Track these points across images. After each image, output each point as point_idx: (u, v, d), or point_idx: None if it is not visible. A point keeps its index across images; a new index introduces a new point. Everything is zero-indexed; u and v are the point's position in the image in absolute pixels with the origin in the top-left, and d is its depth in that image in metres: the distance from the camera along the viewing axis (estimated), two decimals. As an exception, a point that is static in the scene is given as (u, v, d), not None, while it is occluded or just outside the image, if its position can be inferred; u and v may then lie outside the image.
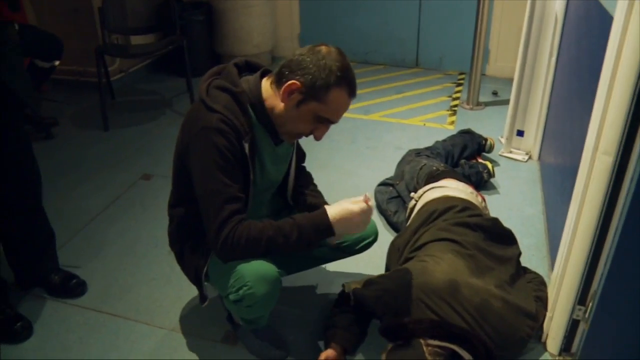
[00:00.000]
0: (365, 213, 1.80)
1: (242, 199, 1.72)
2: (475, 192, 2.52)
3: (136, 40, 4.52)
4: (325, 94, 1.66)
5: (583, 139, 2.02)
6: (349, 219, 1.77)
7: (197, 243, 1.91)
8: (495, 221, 2.28)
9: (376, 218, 2.91)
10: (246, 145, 1.70)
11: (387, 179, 3.03)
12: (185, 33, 4.31)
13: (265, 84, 1.75)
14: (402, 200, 2.80)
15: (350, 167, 3.36)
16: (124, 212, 2.98)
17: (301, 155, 2.20)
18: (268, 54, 5.17)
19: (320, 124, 1.76)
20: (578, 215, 1.88)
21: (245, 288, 1.72)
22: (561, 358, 2.07)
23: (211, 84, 1.72)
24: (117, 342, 2.16)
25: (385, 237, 2.74)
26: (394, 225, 2.79)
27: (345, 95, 1.71)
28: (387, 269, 2.38)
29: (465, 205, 2.31)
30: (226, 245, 1.68)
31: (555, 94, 3.17)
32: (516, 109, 3.44)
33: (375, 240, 2.25)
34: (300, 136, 1.84)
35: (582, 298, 1.96)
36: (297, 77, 1.64)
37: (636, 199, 1.67)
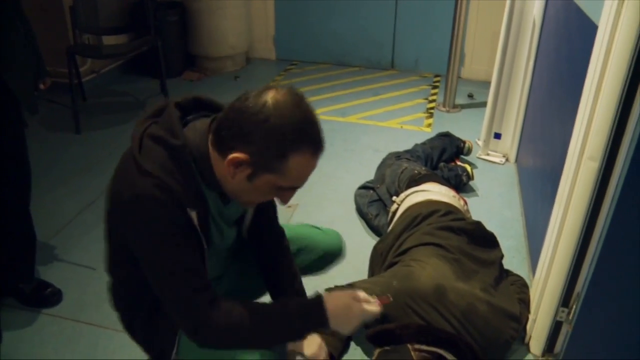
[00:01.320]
0: (367, 316, 1.48)
1: (203, 271, 1.37)
2: (457, 196, 2.53)
3: (108, 40, 4.43)
4: (281, 163, 1.24)
5: (564, 143, 2.04)
6: (345, 316, 1.45)
7: (152, 316, 1.52)
8: (478, 225, 2.29)
9: (357, 222, 2.90)
10: (193, 214, 1.30)
11: (367, 182, 3.03)
12: (159, 33, 4.24)
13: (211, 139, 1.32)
14: (383, 203, 2.79)
15: (328, 170, 3.35)
16: (99, 218, 2.88)
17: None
18: (243, 55, 5.14)
19: (284, 192, 1.36)
20: (563, 219, 1.89)
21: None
22: (544, 359, 2.09)
23: (147, 130, 1.29)
24: (96, 352, 2.10)
25: (367, 240, 2.73)
26: (375, 229, 2.78)
27: (309, 157, 1.27)
28: (370, 273, 2.37)
29: (448, 209, 2.32)
30: (201, 334, 1.35)
31: (532, 97, 3.21)
32: (494, 112, 3.47)
33: (339, 256, 2.01)
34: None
35: (565, 300, 1.98)
36: (240, 148, 1.23)
37: (621, 203, 1.68)
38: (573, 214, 1.85)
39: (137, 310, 1.54)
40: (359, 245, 2.70)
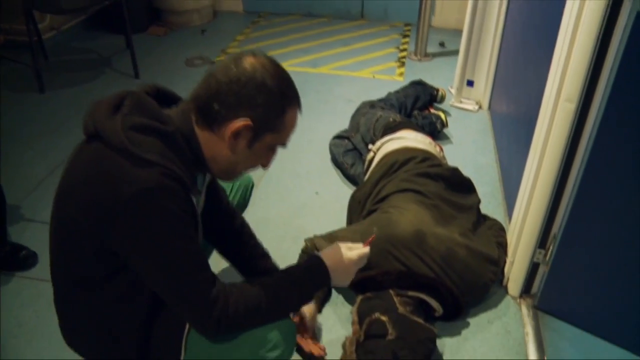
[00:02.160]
0: (362, 260, 1.52)
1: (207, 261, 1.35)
2: (433, 143, 2.53)
3: (68, -6, 4.25)
4: (280, 121, 1.29)
5: (538, 88, 2.04)
6: (343, 269, 1.48)
7: (148, 332, 1.38)
8: (455, 170, 2.30)
9: (333, 172, 2.90)
10: (194, 199, 1.28)
11: (341, 131, 3.01)
12: (122, -14, 4.08)
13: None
14: (358, 152, 2.78)
15: (302, 122, 3.24)
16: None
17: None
18: (209, 8, 4.99)
19: (271, 152, 1.37)
20: (539, 162, 1.91)
21: (275, 351, 1.40)
22: (522, 300, 2.13)
23: (124, 124, 1.18)
24: None
25: (343, 190, 2.73)
26: (351, 178, 2.78)
27: (296, 110, 1.34)
28: (348, 222, 2.38)
29: (425, 156, 2.32)
30: (223, 326, 1.28)
31: (505, 44, 3.20)
32: (466, 59, 3.45)
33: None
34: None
35: (542, 241, 2.01)
36: (243, 115, 1.24)
37: (597, 144, 1.70)
38: (550, 156, 1.86)
39: (126, 334, 1.37)
40: (336, 195, 2.71)
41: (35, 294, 2.16)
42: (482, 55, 3.40)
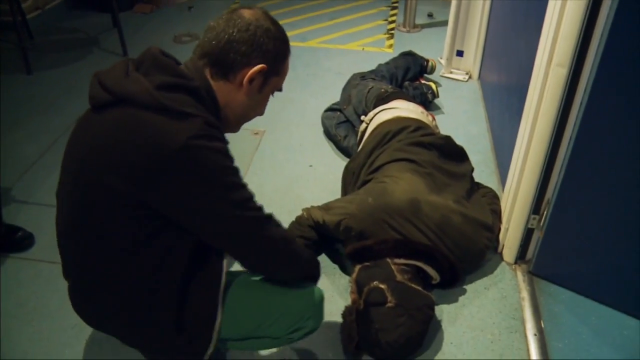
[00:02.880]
0: None
1: None
2: (425, 112, 2.54)
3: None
4: (283, 65, 1.42)
5: (529, 56, 2.04)
6: None
7: (186, 289, 1.38)
8: (448, 139, 2.31)
9: (326, 144, 2.90)
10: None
11: (333, 104, 3.00)
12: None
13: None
14: (351, 124, 2.78)
15: (293, 96, 3.31)
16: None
17: None
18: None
19: (269, 97, 1.48)
20: (532, 128, 1.92)
21: (310, 321, 1.49)
22: (517, 266, 2.16)
23: (151, 84, 1.22)
24: None
25: (337, 162, 2.74)
26: (344, 150, 2.78)
27: (289, 57, 1.45)
28: (343, 193, 2.39)
29: (418, 125, 2.32)
30: (293, 257, 1.43)
31: (494, 13, 3.19)
32: (455, 30, 3.44)
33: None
34: None
35: (536, 207, 2.04)
36: (256, 60, 1.33)
37: (589, 108, 1.72)
38: (542, 122, 1.87)
39: (161, 301, 1.36)
40: (330, 167, 2.71)
41: (33, 274, 2.15)
42: (472, 25, 3.40)
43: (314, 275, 1.54)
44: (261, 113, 1.49)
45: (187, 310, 1.37)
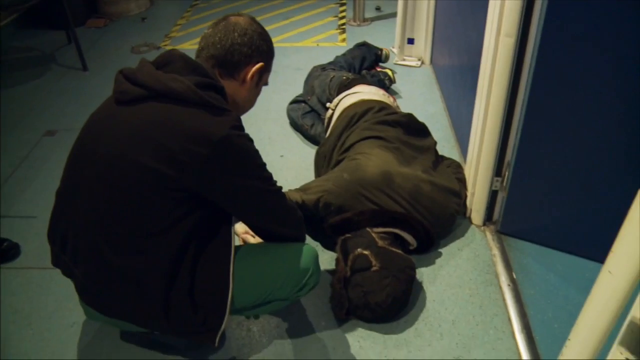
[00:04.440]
0: None
1: None
2: (387, 94, 2.68)
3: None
4: (272, 62, 1.69)
5: (479, 36, 2.21)
6: None
7: (199, 263, 1.48)
8: (410, 116, 2.46)
9: (293, 135, 3.02)
10: None
11: (296, 96, 3.12)
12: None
13: None
14: (316, 113, 2.91)
15: (256, 94, 3.41)
16: (37, 171, 2.87)
17: None
18: (147, -6, 5.00)
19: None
20: (487, 96, 2.08)
21: (313, 277, 1.65)
22: (485, 227, 2.32)
23: (190, 83, 1.38)
24: (71, 291, 2.03)
25: (307, 150, 2.86)
26: (312, 138, 2.91)
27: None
28: (317, 176, 2.51)
29: (381, 106, 2.47)
30: (299, 222, 1.65)
31: (440, 1, 3.36)
32: (405, 19, 3.61)
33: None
34: None
35: (498, 170, 2.20)
36: (255, 60, 1.58)
37: (537, 72, 1.88)
38: (496, 89, 2.03)
39: (180, 266, 1.44)
40: (300, 156, 2.83)
41: (24, 282, 2.19)
42: (420, 14, 3.57)
43: (304, 237, 1.73)
44: (253, 105, 1.73)
45: (198, 286, 1.47)
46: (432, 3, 3.44)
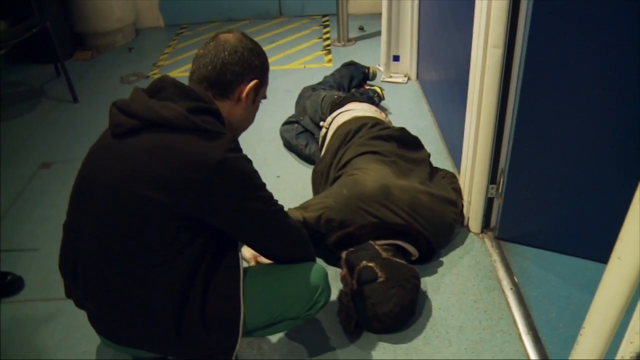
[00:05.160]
0: None
1: None
2: (378, 110, 2.74)
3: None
4: (267, 75, 1.63)
5: (465, 50, 2.28)
6: None
7: (209, 283, 1.48)
8: (403, 130, 2.51)
9: (288, 156, 3.06)
10: None
11: (289, 117, 3.17)
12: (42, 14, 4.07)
13: None
14: (309, 133, 2.96)
15: (247, 117, 3.46)
16: (35, 203, 2.88)
17: None
18: (132, 27, 5.04)
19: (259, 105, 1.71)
20: (479, 107, 2.14)
21: (324, 294, 1.65)
22: (483, 234, 2.37)
23: (182, 109, 1.37)
24: (78, 321, 2.05)
25: (302, 170, 2.91)
26: (307, 158, 2.95)
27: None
28: (315, 194, 2.54)
29: (375, 122, 2.52)
30: (304, 240, 1.65)
31: (423, 18, 3.45)
32: (389, 37, 3.69)
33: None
34: None
35: (492, 178, 2.25)
36: (249, 76, 1.54)
37: (526, 80, 1.95)
38: (487, 99, 2.09)
39: (190, 292, 1.44)
40: (296, 176, 2.88)
41: (30, 314, 2.19)
42: (403, 32, 3.66)
43: (313, 255, 1.70)
44: (252, 121, 1.69)
45: (209, 310, 1.48)
46: (416, 20, 3.52)
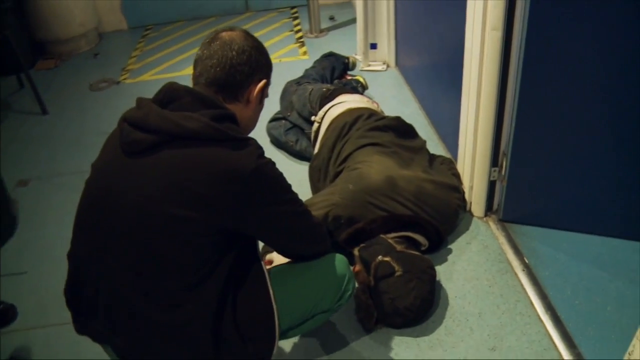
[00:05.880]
0: None
1: None
2: (370, 100, 2.71)
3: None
4: (271, 73, 1.56)
5: (456, 33, 2.26)
6: None
7: (240, 294, 1.44)
8: (399, 119, 2.49)
9: (277, 153, 3.00)
10: None
11: (275, 114, 3.11)
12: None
13: None
14: (299, 128, 2.90)
15: (229, 117, 3.39)
16: (20, 226, 2.76)
17: None
18: (94, 32, 4.88)
19: None
20: (478, 90, 2.13)
21: (351, 282, 1.64)
22: (487, 218, 2.36)
23: (206, 119, 1.31)
24: (79, 345, 1.87)
25: (295, 167, 2.86)
26: (298, 154, 2.90)
27: None
28: (314, 190, 2.50)
29: (370, 113, 2.49)
30: (325, 236, 1.61)
31: (400, 5, 3.42)
32: (366, 25, 3.64)
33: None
34: None
35: (494, 160, 2.24)
36: (258, 75, 1.47)
37: (526, 62, 1.94)
38: (487, 83, 2.08)
39: (224, 308, 1.39)
40: (289, 173, 2.68)
41: (27, 344, 2.08)
42: (380, 19, 3.62)
43: (331, 249, 1.67)
44: (257, 122, 1.61)
45: (243, 320, 1.42)
46: (392, 6, 3.49)
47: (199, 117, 1.29)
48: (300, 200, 1.48)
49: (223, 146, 1.29)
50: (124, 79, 4.12)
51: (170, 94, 1.36)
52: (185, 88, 1.38)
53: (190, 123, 1.28)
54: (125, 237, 1.32)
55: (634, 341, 1.16)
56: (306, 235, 1.53)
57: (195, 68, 1.49)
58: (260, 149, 1.35)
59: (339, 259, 1.63)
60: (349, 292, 1.63)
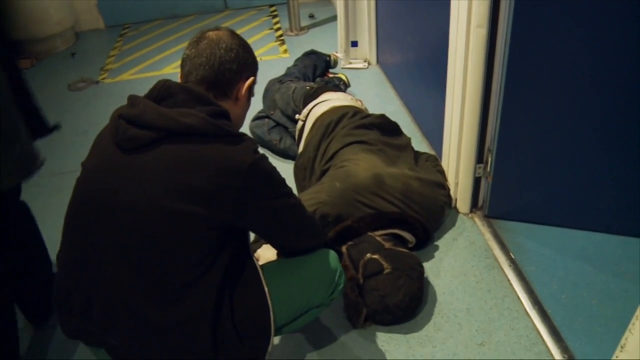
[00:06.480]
0: None
1: None
2: (354, 98, 2.71)
3: None
4: (257, 71, 1.57)
5: (440, 32, 2.27)
6: None
7: (236, 290, 1.45)
8: (384, 117, 2.49)
9: (259, 150, 2.97)
10: None
11: (258, 112, 3.09)
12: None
13: None
14: (282, 126, 2.89)
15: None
16: None
17: None
18: (71, 31, 4.82)
19: None
20: (463, 88, 2.14)
21: (342, 276, 1.66)
22: (473, 214, 2.38)
23: (203, 114, 1.32)
24: (79, 344, 1.97)
25: (278, 165, 2.70)
26: (282, 153, 2.89)
27: None
28: (299, 189, 2.49)
29: (355, 111, 2.49)
30: (319, 228, 1.64)
31: (381, 3, 3.43)
32: (347, 22, 3.65)
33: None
34: None
35: (479, 157, 2.26)
36: (246, 73, 1.49)
37: (511, 60, 1.96)
38: (472, 80, 2.09)
39: (222, 305, 1.40)
40: (281, 169, 2.80)
41: (25, 343, 2.03)
42: (361, 16, 3.63)
43: (324, 242, 1.70)
44: (244, 120, 1.62)
45: (239, 317, 1.43)
46: (373, 4, 3.50)
47: (196, 113, 1.31)
48: (293, 194, 1.49)
49: (221, 142, 1.31)
50: (103, 78, 4.07)
51: (165, 91, 1.36)
52: (180, 85, 1.38)
53: (188, 119, 1.29)
54: (124, 234, 1.31)
55: (627, 334, 1.17)
56: (303, 228, 1.55)
57: (183, 67, 1.48)
58: (255, 145, 1.37)
59: (330, 254, 1.65)
60: (341, 286, 1.65)
